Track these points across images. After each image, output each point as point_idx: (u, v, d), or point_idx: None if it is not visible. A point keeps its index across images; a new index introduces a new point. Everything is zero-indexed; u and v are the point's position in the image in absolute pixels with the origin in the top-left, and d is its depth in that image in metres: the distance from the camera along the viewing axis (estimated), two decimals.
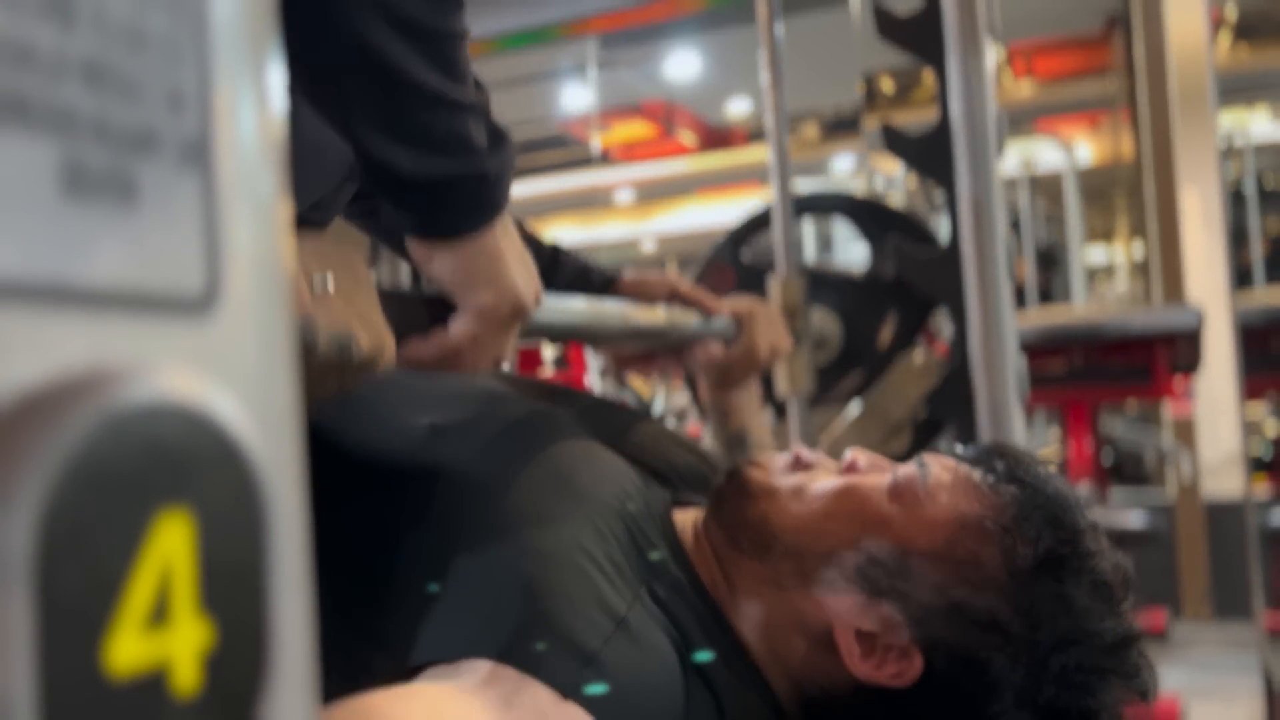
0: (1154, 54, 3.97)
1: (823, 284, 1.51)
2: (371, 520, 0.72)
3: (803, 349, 1.37)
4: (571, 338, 0.89)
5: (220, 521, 0.16)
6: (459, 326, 0.68)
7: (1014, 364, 1.45)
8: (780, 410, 1.44)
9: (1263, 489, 3.67)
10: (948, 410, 1.44)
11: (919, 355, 1.51)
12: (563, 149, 8.67)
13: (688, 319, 1.05)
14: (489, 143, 0.66)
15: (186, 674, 0.15)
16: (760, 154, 1.49)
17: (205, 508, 0.16)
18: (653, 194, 9.41)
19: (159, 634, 0.15)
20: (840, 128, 7.00)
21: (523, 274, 0.70)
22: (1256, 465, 4.01)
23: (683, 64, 5.79)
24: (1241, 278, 4.90)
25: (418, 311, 0.69)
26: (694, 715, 0.66)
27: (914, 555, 0.71)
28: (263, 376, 0.17)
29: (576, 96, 6.45)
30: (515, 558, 0.64)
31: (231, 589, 0.16)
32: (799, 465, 0.79)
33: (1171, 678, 3.02)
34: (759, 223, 1.62)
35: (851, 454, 0.79)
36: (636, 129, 8.38)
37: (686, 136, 8.27)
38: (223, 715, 0.15)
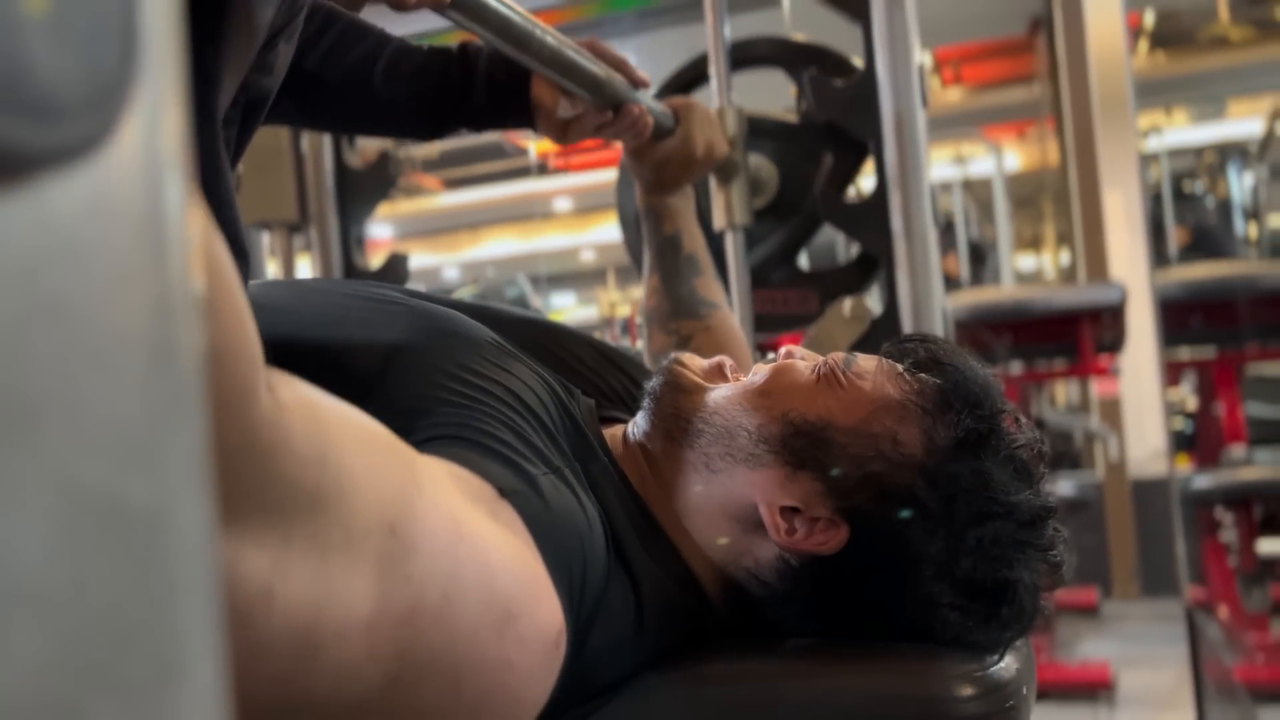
0: (1075, 58, 4.10)
1: (757, 131, 1.48)
2: None
3: (739, 181, 1.35)
4: (501, 35, 0.85)
5: None
6: None
7: (940, 308, 1.48)
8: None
9: (1185, 466, 3.78)
10: None
11: (847, 304, 1.53)
12: (501, 159, 8.66)
13: (621, 81, 1.04)
14: None
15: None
16: None
17: None
18: (591, 204, 9.43)
19: None
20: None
21: None
22: (1179, 441, 4.13)
23: None
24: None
25: None
26: (612, 590, 0.66)
27: (835, 428, 0.72)
28: None
29: None
30: (456, 411, 0.65)
31: None
32: (723, 374, 0.80)
33: (1103, 649, 3.10)
34: (695, 71, 1.58)
35: (787, 347, 0.81)
36: None
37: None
38: (76, 57, 0.15)
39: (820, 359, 0.77)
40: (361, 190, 1.86)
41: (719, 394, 0.78)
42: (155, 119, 0.16)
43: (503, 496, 0.58)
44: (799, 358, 0.79)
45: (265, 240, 2.02)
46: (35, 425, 0.15)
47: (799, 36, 1.67)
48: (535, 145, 8.00)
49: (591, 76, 0.97)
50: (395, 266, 1.83)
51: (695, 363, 0.82)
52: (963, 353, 0.77)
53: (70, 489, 0.16)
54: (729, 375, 0.81)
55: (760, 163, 1.50)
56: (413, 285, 1.88)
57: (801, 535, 0.71)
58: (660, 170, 1.17)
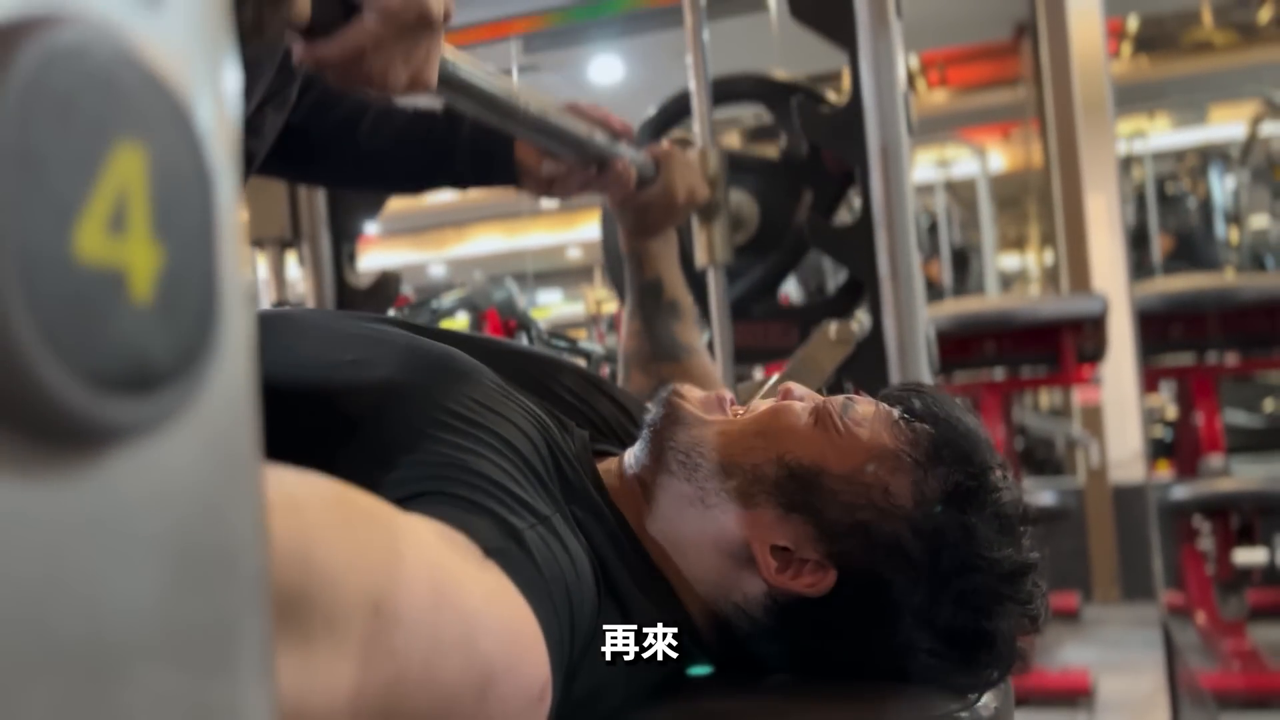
0: (1059, 63, 4.14)
1: (739, 167, 1.51)
2: (302, 445, 0.73)
3: (720, 220, 1.37)
4: (487, 104, 0.87)
5: (170, 165, 0.18)
6: (362, 24, 0.67)
7: (924, 332, 1.51)
8: (700, 285, 1.42)
9: (1165, 473, 3.84)
10: (862, 380, 1.50)
11: (833, 327, 1.55)
12: None
13: (605, 137, 1.05)
14: None
15: (142, 284, 0.17)
16: None
17: (157, 150, 0.18)
18: (577, 201, 9.43)
19: (118, 242, 0.17)
20: (761, 136, 7.11)
21: None
22: (1159, 448, 4.19)
23: (607, 68, 5.84)
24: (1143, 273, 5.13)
25: (332, 7, 0.68)
26: (604, 624, 0.69)
27: (828, 474, 0.74)
28: (206, 66, 0.19)
29: None
30: (444, 456, 0.67)
31: (180, 224, 0.18)
32: (721, 408, 0.82)
33: (1083, 654, 3.14)
34: (678, 107, 1.61)
35: (786, 385, 0.82)
36: None
37: None
38: (173, 330, 0.18)
39: (819, 400, 0.79)
40: (353, 207, 1.88)
41: (716, 430, 0.79)
42: (230, 382, 0.19)
43: (488, 556, 0.59)
44: (798, 397, 0.80)
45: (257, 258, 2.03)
46: (138, 649, 0.18)
47: (780, 74, 1.70)
48: None
49: (574, 138, 1.00)
50: (386, 285, 1.84)
51: (694, 395, 0.83)
52: (957, 405, 0.79)
53: (161, 703, 0.18)
54: (727, 409, 0.82)
55: (741, 199, 1.54)
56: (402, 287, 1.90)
57: (790, 575, 0.73)
58: (643, 216, 1.20)
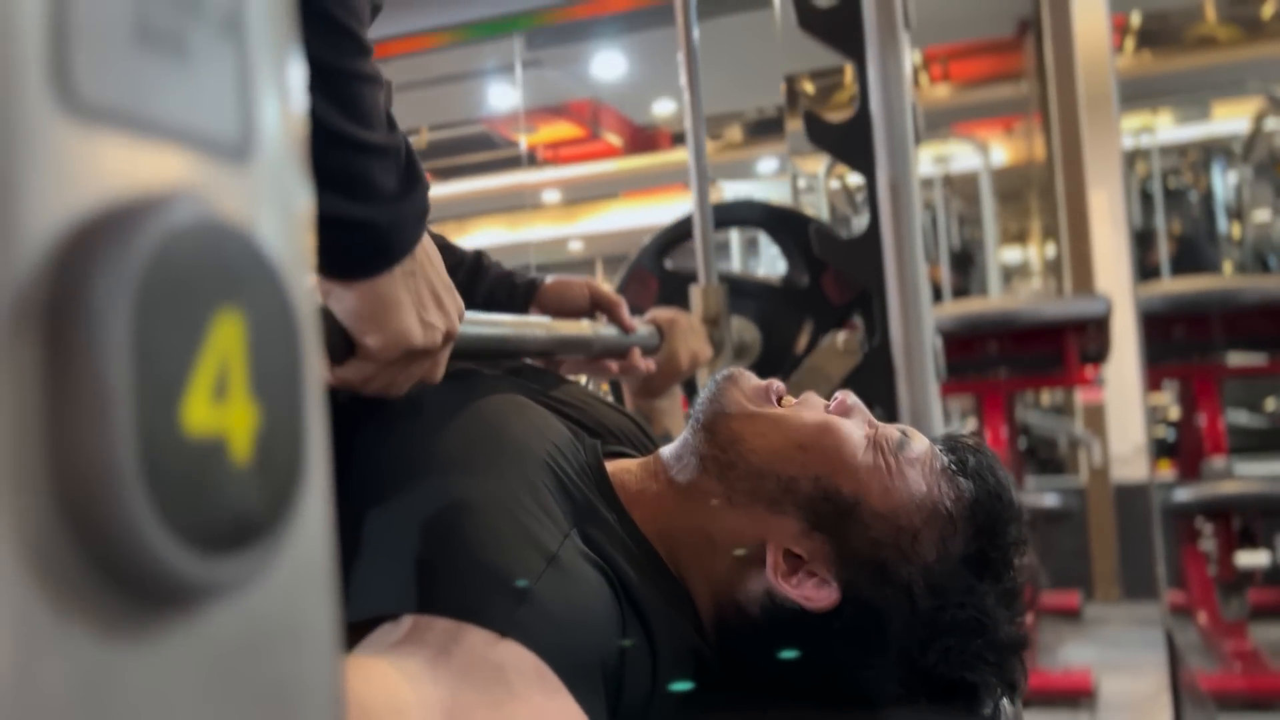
0: (1062, 59, 4.14)
1: (742, 292, 1.56)
2: None
3: (724, 356, 1.42)
4: (499, 354, 0.89)
5: (264, 325, 0.19)
6: (353, 362, 0.69)
7: (930, 342, 1.52)
8: None
9: (1167, 472, 3.85)
10: (869, 389, 1.51)
11: (840, 337, 1.57)
12: (490, 150, 8.65)
13: (610, 329, 1.09)
14: (398, 187, 0.64)
15: (241, 446, 0.18)
16: (685, 156, 1.54)
17: (253, 312, 0.19)
18: (579, 195, 9.44)
19: (221, 408, 0.18)
20: (763, 130, 7.10)
21: (418, 318, 0.69)
22: (1162, 448, 4.21)
23: (609, 64, 5.85)
24: (1149, 275, 5.14)
25: (333, 329, 0.68)
26: (627, 635, 0.70)
27: (865, 507, 0.76)
28: (288, 217, 0.20)
29: (503, 95, 6.46)
30: (444, 509, 0.67)
31: (275, 380, 0.19)
32: (769, 398, 0.82)
33: (1084, 654, 3.16)
34: (680, 231, 1.65)
35: (842, 395, 0.82)
36: (563, 130, 8.39)
37: (613, 138, 8.30)
38: (268, 485, 0.19)
39: (874, 426, 0.79)
40: None
41: (760, 428, 0.79)
42: (314, 522, 0.20)
43: (504, 637, 0.60)
44: (849, 410, 0.81)
45: None
46: None
47: (777, 201, 1.74)
48: (525, 137, 7.99)
49: (583, 343, 1.03)
50: None
51: (746, 384, 0.83)
52: (1005, 474, 0.80)
53: None
54: (773, 400, 0.82)
55: (743, 325, 1.59)
56: None
57: (794, 583, 0.75)
58: (648, 381, 1.24)
